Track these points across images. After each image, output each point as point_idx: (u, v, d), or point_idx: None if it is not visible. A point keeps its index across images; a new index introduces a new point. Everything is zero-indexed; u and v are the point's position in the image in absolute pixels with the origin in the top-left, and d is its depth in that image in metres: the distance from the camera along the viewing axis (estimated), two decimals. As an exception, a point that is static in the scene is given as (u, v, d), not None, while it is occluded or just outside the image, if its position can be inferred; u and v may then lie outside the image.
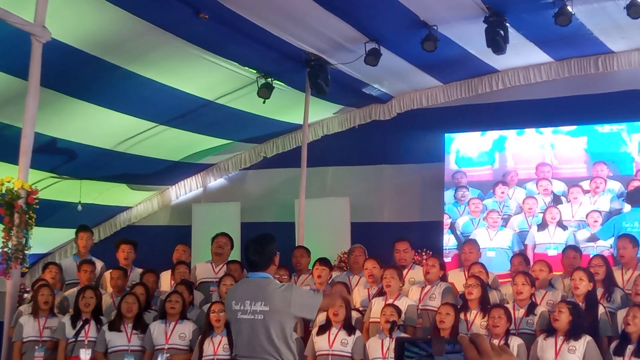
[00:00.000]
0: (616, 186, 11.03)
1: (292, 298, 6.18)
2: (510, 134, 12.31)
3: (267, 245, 6.35)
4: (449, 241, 11.38)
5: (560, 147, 11.49)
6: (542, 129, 12.21)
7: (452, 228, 11.55)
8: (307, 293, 6.54)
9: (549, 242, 10.68)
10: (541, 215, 10.94)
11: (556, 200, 11.04)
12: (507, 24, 10.59)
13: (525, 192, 11.18)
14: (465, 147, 12.35)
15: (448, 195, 12.11)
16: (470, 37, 11.18)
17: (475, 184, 11.60)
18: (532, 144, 11.79)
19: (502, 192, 11.05)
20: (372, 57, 11.16)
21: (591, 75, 12.56)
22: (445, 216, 12.22)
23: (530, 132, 12.19)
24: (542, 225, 10.93)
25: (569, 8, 10.09)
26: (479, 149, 12.19)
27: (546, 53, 12.38)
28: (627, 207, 10.95)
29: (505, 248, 10.83)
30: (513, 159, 11.49)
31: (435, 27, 10.79)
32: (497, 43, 10.63)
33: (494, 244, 10.86)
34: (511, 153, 11.57)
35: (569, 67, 12.66)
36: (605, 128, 11.72)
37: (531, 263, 9.85)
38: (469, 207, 11.42)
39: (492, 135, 12.35)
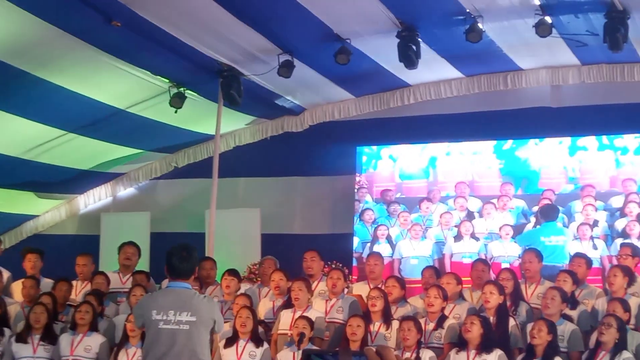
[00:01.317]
0: (521, 203, 11.80)
1: (215, 311, 6.23)
2: (441, 152, 12.61)
3: (193, 254, 6.37)
4: (385, 250, 11.73)
5: (479, 164, 12.22)
6: (463, 149, 12.56)
7: (388, 238, 12.03)
8: (219, 314, 6.50)
9: (464, 252, 11.38)
10: (456, 228, 11.65)
11: (469, 215, 11.75)
12: (419, 39, 10.71)
13: (447, 208, 11.91)
14: (403, 161, 12.71)
15: (378, 209, 12.50)
16: (382, 51, 11.28)
17: (405, 200, 12.28)
18: (459, 160, 12.37)
19: (427, 208, 11.91)
20: (285, 69, 11.17)
21: (500, 92, 12.79)
22: (383, 227, 12.31)
23: (455, 150, 12.50)
24: (458, 237, 11.57)
25: (480, 25, 10.26)
26: (417, 165, 12.62)
27: (457, 69, 12.56)
28: (531, 223, 11.52)
29: (427, 256, 11.50)
30: (443, 175, 12.28)
31: (348, 41, 10.85)
32: (409, 58, 10.74)
33: (416, 253, 11.58)
34: (442, 170, 12.34)
35: (479, 83, 12.88)
36: (519, 149, 12.23)
37: (448, 270, 10.73)
38: (399, 219, 12.02)
39: (428, 152, 12.66)
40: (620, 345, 7.81)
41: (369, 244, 12.30)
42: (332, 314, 9.12)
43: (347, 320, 8.57)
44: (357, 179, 12.95)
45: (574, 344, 8.28)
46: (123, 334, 8.80)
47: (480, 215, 11.86)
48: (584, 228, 11.07)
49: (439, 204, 12.15)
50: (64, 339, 8.92)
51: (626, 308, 8.26)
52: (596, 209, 11.37)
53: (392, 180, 12.67)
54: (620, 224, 11.16)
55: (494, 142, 12.46)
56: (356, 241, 12.62)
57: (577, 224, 11.32)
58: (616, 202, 11.47)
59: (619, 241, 10.86)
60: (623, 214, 11.26)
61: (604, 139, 11.89)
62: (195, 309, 6.10)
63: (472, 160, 12.36)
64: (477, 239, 11.53)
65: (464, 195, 11.96)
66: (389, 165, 12.79)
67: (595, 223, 11.24)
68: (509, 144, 12.38)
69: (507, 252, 11.36)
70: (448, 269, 11.27)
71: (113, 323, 9.36)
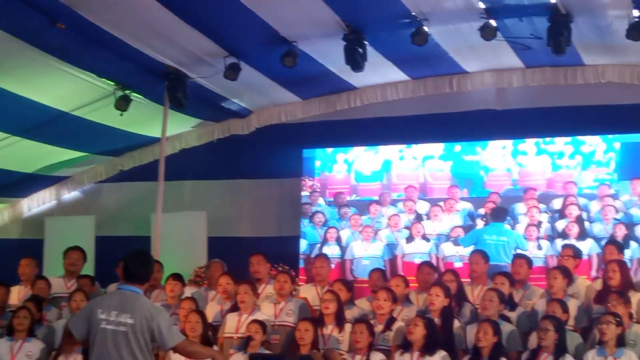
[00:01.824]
0: (468, 206, 12.03)
1: (156, 320, 6.14)
2: (394, 156, 12.70)
3: (150, 260, 6.48)
4: (333, 252, 12.01)
5: (431, 167, 12.43)
6: (416, 152, 12.65)
7: (338, 240, 12.20)
8: (171, 325, 6.42)
9: (415, 252, 11.64)
10: (405, 229, 11.93)
11: (418, 217, 12.00)
12: (366, 42, 10.76)
13: (397, 210, 12.13)
14: (358, 164, 12.78)
15: (331, 212, 12.60)
16: (329, 54, 11.29)
17: (359, 202, 12.44)
18: (412, 164, 12.56)
19: (376, 210, 12.12)
20: (232, 72, 11.14)
21: (446, 94, 12.89)
22: (333, 229, 12.43)
23: (409, 154, 12.64)
24: (410, 238, 11.82)
25: (426, 28, 10.31)
26: (372, 168, 12.71)
27: (403, 71, 12.63)
28: (479, 224, 11.76)
29: (378, 257, 11.77)
30: (397, 178, 12.46)
31: (295, 43, 10.85)
32: (355, 61, 10.77)
33: (368, 254, 11.84)
34: (396, 173, 12.53)
35: (425, 86, 12.96)
36: (466, 152, 12.42)
37: (400, 272, 11.11)
38: (350, 222, 12.24)
39: (382, 155, 12.73)
40: (561, 347, 7.89)
41: (318, 246, 12.41)
42: (281, 317, 9.09)
43: (297, 324, 8.57)
44: (310, 182, 12.98)
45: (512, 344, 8.35)
46: (63, 339, 8.70)
47: (428, 218, 12.07)
48: (531, 229, 11.41)
49: (389, 207, 12.32)
50: (3, 345, 8.81)
51: (565, 309, 8.36)
52: (540, 211, 11.62)
53: (347, 183, 12.77)
54: (560, 225, 11.43)
55: (444, 145, 12.57)
56: (305, 243, 12.67)
57: (523, 225, 11.57)
58: (557, 204, 11.70)
59: (559, 241, 11.14)
60: (563, 216, 11.52)
61: (541, 143, 12.10)
62: (135, 312, 6.10)
63: (424, 164, 12.51)
64: (427, 240, 11.79)
65: (413, 198, 12.18)
66: (343, 168, 12.86)
67: (539, 224, 11.52)
68: (458, 147, 12.51)
69: (458, 252, 11.61)
70: (400, 269, 11.59)
71: (53, 328, 9.27)
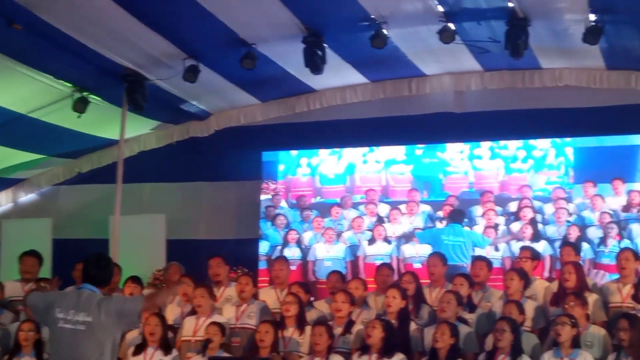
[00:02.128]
0: (427, 208, 12.15)
1: (112, 305, 6.13)
2: (358, 159, 12.78)
3: (110, 264, 6.50)
4: (294, 254, 12.13)
5: (393, 170, 12.56)
6: (379, 157, 12.72)
7: (299, 242, 12.29)
8: (126, 298, 6.43)
9: (377, 254, 11.80)
10: (368, 232, 12.08)
11: (380, 220, 12.12)
12: (325, 45, 10.78)
13: (358, 213, 12.27)
14: (323, 168, 12.87)
15: (293, 214, 12.68)
16: (288, 56, 11.29)
17: (323, 205, 12.56)
18: (374, 167, 12.66)
19: (337, 213, 12.29)
20: (191, 74, 11.11)
21: (405, 97, 12.93)
22: (293, 232, 12.50)
23: (372, 157, 12.73)
24: (372, 240, 11.96)
25: (385, 31, 10.35)
26: (336, 171, 12.82)
27: (362, 74, 12.66)
28: (440, 224, 11.90)
29: (340, 259, 11.92)
30: (360, 181, 12.60)
31: (254, 46, 10.85)
32: (314, 63, 10.79)
33: (330, 255, 11.98)
34: (359, 175, 12.66)
35: (384, 89, 12.99)
36: (425, 155, 12.56)
37: (362, 273, 11.48)
38: (312, 224, 12.34)
39: (346, 159, 12.82)
40: (517, 347, 7.96)
41: (279, 248, 12.45)
42: (243, 320, 9.09)
43: (257, 327, 8.56)
44: (273, 185, 12.99)
45: (469, 345, 8.41)
46: (15, 342, 8.63)
47: (388, 220, 12.19)
48: (489, 231, 11.57)
49: (351, 210, 12.44)
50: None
51: (521, 310, 8.42)
52: (496, 213, 11.77)
53: (310, 186, 12.84)
54: (515, 227, 11.58)
55: (406, 149, 12.65)
56: (267, 245, 12.69)
57: (480, 228, 11.71)
58: (512, 206, 11.85)
59: (514, 243, 11.34)
60: (518, 218, 11.66)
61: (495, 148, 12.27)
62: (91, 310, 6.08)
63: (387, 167, 12.61)
64: (389, 242, 11.94)
65: (374, 201, 12.29)
66: (307, 172, 12.93)
67: (496, 226, 11.66)
68: (419, 150, 12.61)
69: (417, 253, 11.72)
70: (362, 270, 11.80)
71: (8, 331, 9.19)
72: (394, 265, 11.38)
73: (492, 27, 10.49)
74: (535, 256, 9.85)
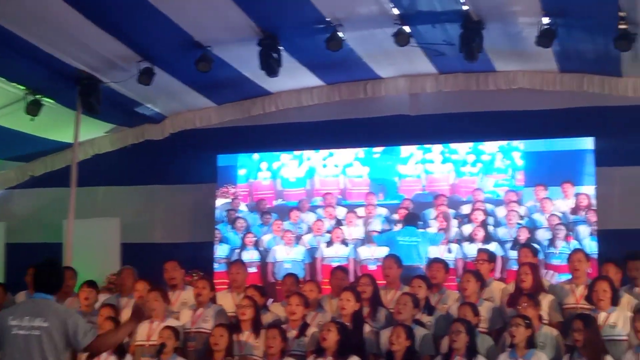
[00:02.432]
0: (384, 211, 12.30)
1: (71, 320, 6.10)
2: (318, 163, 12.84)
3: (60, 271, 6.53)
4: (252, 256, 12.32)
5: (351, 173, 12.70)
6: (338, 161, 12.79)
7: (257, 245, 12.43)
8: (84, 322, 6.37)
9: (334, 256, 12.00)
10: (328, 234, 12.25)
11: (338, 222, 12.31)
12: (281, 48, 10.78)
13: (315, 216, 12.42)
14: (284, 171, 12.95)
15: (252, 217, 12.75)
16: (244, 59, 11.29)
17: (283, 208, 12.66)
18: (333, 171, 12.79)
19: (296, 216, 12.44)
20: (146, 77, 11.07)
21: (361, 100, 12.97)
22: (251, 234, 12.57)
23: (331, 162, 12.80)
24: (330, 243, 12.16)
25: (340, 34, 10.38)
26: (296, 174, 12.89)
27: (318, 77, 12.68)
28: (397, 227, 12.08)
29: (299, 261, 12.11)
30: (320, 184, 12.73)
31: (209, 48, 10.83)
32: (270, 66, 10.79)
33: (290, 257, 12.18)
34: (319, 179, 12.79)
35: (340, 91, 13.03)
36: (382, 158, 12.66)
37: (319, 275, 11.76)
38: (272, 227, 12.47)
39: (306, 163, 12.88)
40: (472, 348, 8.00)
41: (237, 250, 12.53)
42: (198, 324, 9.03)
43: (212, 330, 8.53)
44: (233, 189, 12.99)
45: (425, 348, 8.42)
46: None
47: (345, 223, 12.33)
48: (440, 233, 11.77)
49: (308, 213, 12.56)
50: None
51: (476, 312, 8.45)
52: (449, 216, 11.96)
53: (272, 189, 12.90)
54: (467, 229, 11.78)
55: (364, 153, 12.72)
56: (226, 248, 12.70)
57: (434, 230, 11.92)
58: (465, 209, 12.03)
59: (466, 245, 11.59)
60: (470, 220, 11.86)
61: (446, 152, 12.40)
62: (48, 315, 6.06)
63: (345, 171, 12.73)
64: (346, 244, 12.13)
65: (332, 204, 12.44)
66: (268, 175, 12.97)
67: (448, 227, 11.88)
68: (377, 154, 12.70)
69: (373, 255, 11.89)
70: (319, 272, 11.98)
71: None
72: (351, 267, 11.68)
73: (447, 30, 10.55)
74: (492, 258, 9.92)
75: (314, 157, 12.85)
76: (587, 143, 11.85)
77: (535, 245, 10.95)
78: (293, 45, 11.04)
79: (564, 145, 11.97)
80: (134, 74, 11.08)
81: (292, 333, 8.66)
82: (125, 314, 9.42)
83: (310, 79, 12.72)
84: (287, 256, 12.18)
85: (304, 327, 8.72)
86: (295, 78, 12.46)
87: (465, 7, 9.92)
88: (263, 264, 12.29)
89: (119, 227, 13.39)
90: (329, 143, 12.91)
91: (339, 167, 12.71)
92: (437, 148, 12.42)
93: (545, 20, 9.99)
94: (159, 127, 13.74)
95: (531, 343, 7.91)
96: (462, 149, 12.30)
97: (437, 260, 9.98)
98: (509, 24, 10.44)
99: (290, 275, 10.25)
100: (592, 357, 7.64)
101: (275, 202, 12.78)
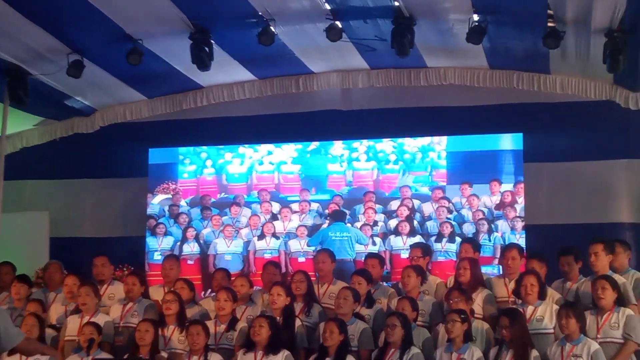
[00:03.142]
0: (316, 207, 12.52)
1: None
2: (257, 159, 12.90)
3: None
4: (193, 248, 12.51)
5: (285, 169, 12.85)
6: (273, 158, 12.86)
7: (197, 238, 12.55)
8: (10, 322, 6.28)
9: (266, 249, 12.30)
10: (260, 228, 12.48)
11: (273, 217, 12.53)
12: (212, 41, 10.72)
13: (251, 211, 12.63)
14: (229, 167, 13.00)
15: (194, 212, 12.84)
16: (175, 52, 11.22)
17: (220, 204, 12.80)
18: (269, 167, 12.92)
19: (236, 211, 12.63)
20: (75, 69, 10.93)
21: (293, 94, 12.96)
22: (192, 229, 12.64)
23: (267, 159, 12.89)
24: (261, 236, 12.37)
25: (272, 28, 10.36)
26: (238, 170, 12.94)
27: (250, 71, 12.64)
28: (327, 223, 12.34)
29: (239, 253, 12.37)
30: (258, 180, 12.88)
31: (140, 41, 10.73)
32: (201, 60, 10.74)
33: (230, 250, 12.39)
34: (256, 175, 12.91)
35: (272, 86, 12.99)
36: (314, 154, 12.80)
37: (252, 267, 12.10)
38: (211, 222, 12.63)
39: (248, 159, 12.91)
40: (407, 341, 8.09)
41: (178, 244, 12.62)
42: (127, 319, 9.03)
43: (137, 325, 8.49)
44: (173, 185, 12.98)
45: (363, 342, 8.49)
46: None
47: (281, 218, 12.55)
48: (366, 228, 12.10)
49: (244, 208, 12.70)
50: None
51: (414, 307, 8.54)
52: (376, 212, 12.25)
53: (215, 184, 12.95)
54: (393, 224, 12.10)
55: (297, 149, 12.81)
56: (171, 241, 12.70)
57: (360, 224, 12.17)
58: (394, 205, 12.27)
59: (392, 238, 11.97)
60: (396, 215, 12.15)
61: (370, 151, 12.58)
62: None
63: (279, 167, 12.85)
64: (277, 238, 12.34)
65: (267, 199, 12.66)
66: (212, 171, 13.00)
67: (376, 223, 12.18)
68: (308, 153, 12.79)
69: (303, 248, 12.18)
70: (252, 264, 12.22)
71: None
72: (282, 260, 12.04)
73: (379, 25, 10.60)
74: (426, 252, 10.00)
75: (254, 155, 12.92)
76: (509, 142, 12.13)
77: (458, 238, 11.50)
78: (225, 39, 11.00)
79: (489, 145, 12.22)
80: (64, 66, 10.92)
81: (221, 327, 8.67)
82: (54, 310, 9.36)
83: (242, 73, 12.67)
84: (227, 249, 12.37)
85: (234, 321, 8.72)
86: (227, 72, 12.42)
87: (396, 3, 9.96)
88: (203, 257, 12.43)
89: (48, 221, 13.20)
90: (261, 137, 12.91)
91: (274, 164, 12.83)
92: (362, 147, 12.59)
93: (476, 17, 10.09)
94: (89, 120, 13.55)
95: (468, 337, 8.02)
96: (387, 147, 12.50)
97: (372, 256, 10.08)
98: (440, 20, 10.51)
99: (221, 270, 10.29)
100: (519, 351, 7.78)
101: (219, 196, 12.87)
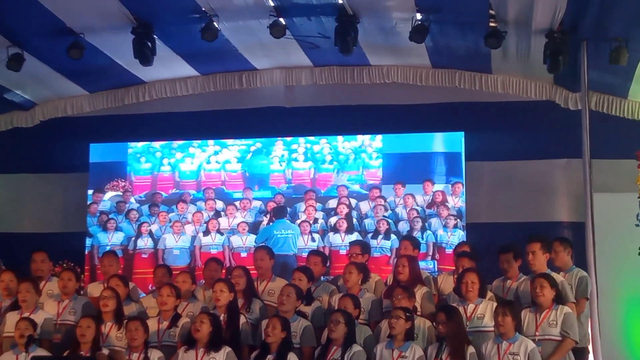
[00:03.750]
0: (258, 204, 12.77)
1: None
2: (205, 158, 13.01)
3: None
4: (147, 243, 12.73)
5: (228, 167, 13.02)
6: (219, 157, 12.95)
7: (150, 233, 12.76)
8: None
9: (211, 244, 12.63)
10: (205, 224, 12.72)
11: (217, 214, 12.77)
12: (155, 36, 10.68)
13: (196, 207, 12.89)
14: (182, 165, 13.14)
15: (143, 209, 12.97)
16: (117, 47, 11.15)
17: (166, 201, 13.00)
18: (215, 165, 13.09)
19: (182, 208, 12.88)
20: (14, 62, 10.83)
21: (236, 91, 12.96)
22: (146, 224, 12.78)
23: (214, 158, 13.02)
24: (206, 232, 12.70)
25: (216, 24, 10.34)
26: (189, 168, 13.10)
27: (192, 67, 12.60)
28: (266, 220, 12.63)
29: (186, 248, 12.71)
30: (205, 177, 13.09)
31: (82, 35, 10.66)
32: (144, 54, 10.70)
33: (178, 245, 12.70)
34: (204, 173, 13.11)
35: (215, 82, 12.98)
36: (256, 152, 12.97)
37: (198, 261, 12.41)
38: (158, 218, 12.87)
39: (198, 158, 13.04)
40: (350, 339, 8.10)
41: (133, 238, 12.76)
42: (64, 316, 8.92)
43: (78, 321, 8.41)
44: (123, 183, 13.01)
45: (306, 339, 8.48)
46: None
47: (225, 215, 12.77)
48: (305, 225, 12.45)
49: (190, 205, 12.92)
50: None
51: (356, 304, 8.55)
52: (316, 210, 12.52)
53: (171, 181, 13.09)
54: (332, 221, 12.39)
55: (242, 148, 12.89)
56: (122, 236, 12.79)
57: (299, 221, 12.45)
58: (332, 203, 12.56)
59: (331, 234, 12.33)
60: (336, 213, 12.43)
61: (308, 151, 12.78)
62: None
63: (224, 166, 12.98)
64: (222, 234, 12.61)
65: (212, 197, 12.86)
66: (168, 169, 13.12)
67: (316, 220, 12.43)
68: (249, 153, 12.91)
69: (245, 243, 12.45)
70: (199, 258, 12.47)
71: None
72: (225, 255, 12.40)
73: (322, 23, 10.64)
74: (365, 250, 10.01)
75: (202, 154, 13.05)
76: (443, 144, 12.42)
77: (393, 236, 11.99)
78: (168, 34, 10.95)
79: (423, 147, 12.49)
80: (3, 59, 10.80)
81: (163, 324, 8.62)
82: (-10, 306, 9.22)
83: (185, 69, 12.63)
84: (176, 244, 12.62)
85: (176, 317, 8.68)
86: (169, 67, 12.37)
87: (340, 1, 10.01)
88: (155, 251, 12.68)
89: (-14, 216, 13.05)
90: (204, 134, 12.90)
91: (220, 162, 12.97)
92: (301, 148, 12.80)
93: (419, 16, 10.16)
94: (29, 114, 13.41)
95: (409, 335, 8.06)
96: (324, 147, 12.76)
97: (314, 253, 10.09)
98: (383, 18, 10.57)
99: (162, 267, 10.22)
100: (456, 347, 7.83)
101: (170, 192, 13.01)
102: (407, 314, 8.05)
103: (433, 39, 10.81)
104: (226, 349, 8.09)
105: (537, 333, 8.09)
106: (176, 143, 13.05)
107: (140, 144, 13.12)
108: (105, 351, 8.30)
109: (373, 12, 10.37)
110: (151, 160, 13.09)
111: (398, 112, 12.47)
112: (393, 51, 11.78)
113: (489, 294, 8.66)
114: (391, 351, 8.01)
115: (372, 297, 9.06)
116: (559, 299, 8.25)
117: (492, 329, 8.17)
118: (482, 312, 8.36)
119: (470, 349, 7.85)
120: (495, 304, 8.27)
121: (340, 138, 12.70)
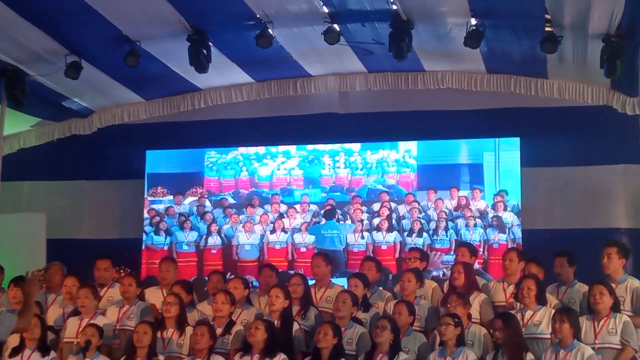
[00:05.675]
0: (314, 208, 13.19)
1: None
2: (274, 163, 13.35)
3: None
4: (216, 241, 13.32)
5: (293, 172, 13.42)
6: (285, 165, 13.25)
7: (219, 232, 13.35)
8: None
9: (277, 241, 13.20)
10: (271, 224, 13.33)
11: (281, 216, 13.29)
12: (210, 44, 10.75)
13: (263, 210, 13.41)
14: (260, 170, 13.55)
15: (217, 211, 13.46)
16: (173, 54, 11.22)
17: (236, 205, 13.52)
18: (283, 171, 13.53)
19: (250, 211, 13.44)
20: (73, 70, 10.94)
21: (290, 97, 12.98)
22: (215, 225, 13.17)
23: (283, 165, 13.36)
24: (273, 230, 13.25)
25: (270, 31, 10.37)
26: (265, 172, 13.50)
27: (247, 74, 12.65)
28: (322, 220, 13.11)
29: (256, 244, 13.30)
30: (277, 180, 13.60)
31: (138, 43, 10.75)
32: (199, 62, 10.75)
33: (249, 242, 13.33)
34: (276, 176, 13.58)
35: (269, 88, 13.02)
36: (312, 157, 13.28)
37: (266, 255, 13.06)
38: (230, 219, 13.41)
39: (271, 163, 13.39)
40: (396, 346, 8.06)
41: (204, 237, 13.30)
42: (123, 321, 8.97)
43: (135, 327, 8.46)
44: (200, 190, 13.34)
45: (362, 346, 8.44)
46: None
47: (287, 216, 13.22)
48: (359, 224, 12.99)
49: (258, 208, 13.33)
50: None
51: (411, 311, 8.51)
52: (362, 212, 12.96)
53: (247, 182, 13.55)
54: (375, 221, 12.91)
55: (300, 154, 13.15)
56: (195, 234, 13.21)
57: (355, 221, 13.03)
58: (376, 207, 12.94)
59: (374, 233, 12.78)
60: (378, 215, 12.84)
61: (343, 156, 13.08)
62: None
63: (290, 172, 13.35)
64: (285, 232, 13.13)
65: (277, 202, 13.33)
66: (246, 174, 13.53)
67: (362, 221, 12.88)
68: (306, 152, 13.15)
69: (304, 241, 13.09)
70: (266, 253, 13.11)
71: None
72: (289, 250, 13.06)
73: (377, 29, 10.62)
74: (424, 257, 9.98)
75: (273, 163, 13.42)
76: (465, 157, 12.74)
77: (425, 234, 12.63)
78: (223, 41, 11.01)
79: (451, 159, 12.81)
80: (61, 67, 10.93)
81: (218, 331, 8.63)
82: (51, 312, 9.34)
83: (239, 76, 12.69)
84: (247, 240, 13.23)
85: (230, 324, 8.69)
86: (224, 74, 12.44)
87: (394, 7, 9.98)
88: (224, 247, 13.26)
89: (45, 223, 13.18)
90: (258, 140, 12.96)
91: (287, 169, 13.37)
92: (341, 158, 13.16)
93: (473, 21, 10.11)
94: (86, 122, 13.56)
95: (461, 341, 8.01)
96: (358, 158, 13.18)
97: (369, 259, 10.06)
98: (438, 24, 10.52)
99: (217, 273, 10.19)
100: (513, 355, 7.76)
101: (247, 191, 13.49)
102: (456, 320, 8.00)
103: (488, 44, 10.74)
104: (281, 356, 8.09)
105: (596, 341, 7.99)
106: (253, 153, 13.37)
107: (221, 155, 13.44)
108: (161, 357, 8.34)
109: (427, 18, 10.33)
110: (234, 168, 13.45)
111: (453, 118, 12.41)
112: (447, 57, 11.73)
113: (554, 301, 8.58)
114: (444, 359, 7.97)
115: (428, 305, 9.02)
116: (616, 306, 8.15)
117: (549, 336, 8.10)
118: (539, 319, 8.27)
119: (530, 356, 7.77)
120: (553, 312, 8.20)
121: (368, 152, 13.11)
